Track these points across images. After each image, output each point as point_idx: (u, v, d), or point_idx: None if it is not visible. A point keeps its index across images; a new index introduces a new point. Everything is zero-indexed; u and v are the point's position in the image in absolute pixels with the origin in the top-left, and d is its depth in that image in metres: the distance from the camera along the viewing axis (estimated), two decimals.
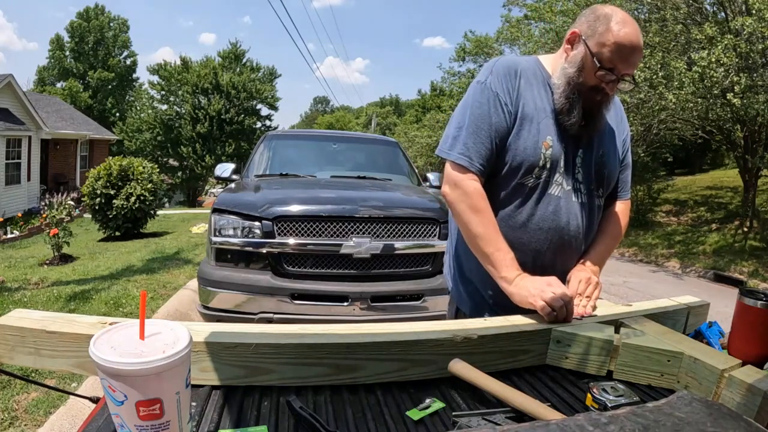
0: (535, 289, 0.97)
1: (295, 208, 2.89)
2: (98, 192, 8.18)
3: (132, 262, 5.67)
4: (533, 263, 1.12)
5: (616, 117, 1.23)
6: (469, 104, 1.13)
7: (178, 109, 25.83)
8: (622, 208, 1.27)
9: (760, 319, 0.79)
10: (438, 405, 0.71)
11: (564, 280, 1.15)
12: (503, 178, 1.12)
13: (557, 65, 1.14)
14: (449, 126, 1.17)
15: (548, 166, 1.10)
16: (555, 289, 0.95)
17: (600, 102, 1.10)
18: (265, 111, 27.37)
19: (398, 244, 2.92)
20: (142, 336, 0.52)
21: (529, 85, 1.13)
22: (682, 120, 9.19)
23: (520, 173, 1.10)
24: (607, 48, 1.02)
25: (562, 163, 1.11)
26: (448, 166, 1.14)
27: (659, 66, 7.70)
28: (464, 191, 1.10)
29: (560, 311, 0.92)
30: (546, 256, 1.14)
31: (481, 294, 1.20)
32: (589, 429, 0.48)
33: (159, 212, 9.90)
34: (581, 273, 1.11)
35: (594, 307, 1.03)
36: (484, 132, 1.10)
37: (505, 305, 1.09)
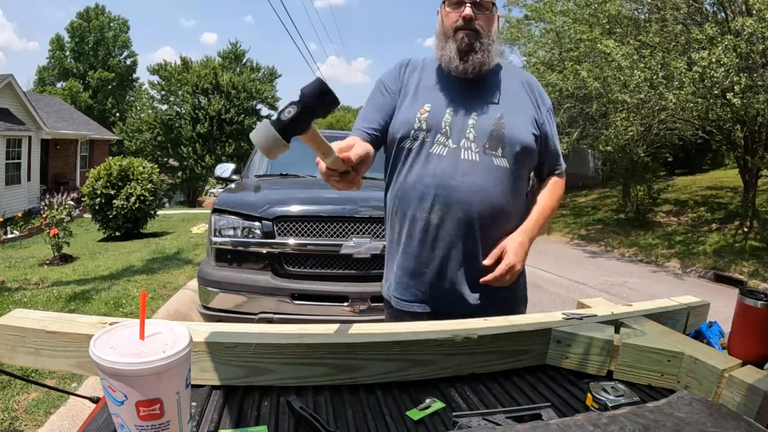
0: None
1: (295, 208, 2.89)
2: (98, 192, 8.18)
3: (132, 263, 5.67)
4: (426, 222, 1.19)
5: (531, 91, 1.29)
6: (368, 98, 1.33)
7: (178, 109, 25.82)
8: (554, 180, 1.33)
9: (761, 319, 0.79)
10: (438, 405, 0.71)
11: (468, 247, 1.19)
12: (391, 148, 1.27)
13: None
14: None
15: (424, 127, 1.20)
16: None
17: (471, 43, 1.18)
18: (265, 111, 27.38)
19: None
20: (142, 336, 0.52)
21: (416, 71, 1.29)
22: (682, 120, 9.19)
23: (398, 138, 1.23)
24: None
25: (445, 126, 1.20)
26: None
27: (659, 66, 7.70)
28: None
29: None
30: (436, 214, 1.18)
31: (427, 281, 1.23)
32: (589, 429, 0.48)
33: (159, 212, 9.90)
34: (509, 242, 1.17)
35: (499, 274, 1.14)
36: (370, 108, 1.28)
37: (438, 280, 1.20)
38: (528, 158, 1.25)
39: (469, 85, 1.24)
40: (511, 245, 1.15)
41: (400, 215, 1.24)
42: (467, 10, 1.17)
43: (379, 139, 1.25)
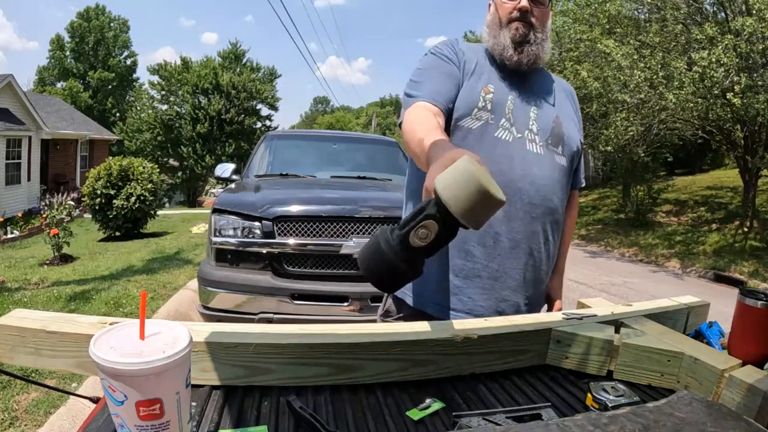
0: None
1: (295, 209, 2.89)
2: (98, 192, 8.18)
3: (132, 263, 5.67)
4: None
5: (573, 101, 1.30)
6: (417, 69, 1.17)
7: (178, 109, 25.82)
8: (575, 197, 1.33)
9: (761, 319, 0.79)
10: (438, 405, 0.71)
11: (529, 246, 1.11)
12: (449, 126, 1.12)
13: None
14: (403, 100, 1.17)
15: (489, 108, 1.11)
16: None
17: (525, 34, 1.14)
18: (265, 111, 27.41)
19: None
20: (142, 336, 0.52)
21: (469, 51, 1.19)
22: (682, 120, 9.18)
23: (456, 116, 1.11)
24: None
25: (509, 111, 1.12)
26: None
27: (659, 66, 7.71)
28: (407, 115, 1.04)
29: None
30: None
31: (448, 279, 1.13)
32: (589, 429, 0.48)
33: (159, 212, 9.90)
34: (555, 292, 1.27)
35: None
36: (439, 75, 1.13)
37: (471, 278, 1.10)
38: (576, 162, 1.24)
39: (523, 79, 1.18)
40: (558, 293, 1.29)
41: None
42: (524, 2, 1.13)
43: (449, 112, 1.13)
